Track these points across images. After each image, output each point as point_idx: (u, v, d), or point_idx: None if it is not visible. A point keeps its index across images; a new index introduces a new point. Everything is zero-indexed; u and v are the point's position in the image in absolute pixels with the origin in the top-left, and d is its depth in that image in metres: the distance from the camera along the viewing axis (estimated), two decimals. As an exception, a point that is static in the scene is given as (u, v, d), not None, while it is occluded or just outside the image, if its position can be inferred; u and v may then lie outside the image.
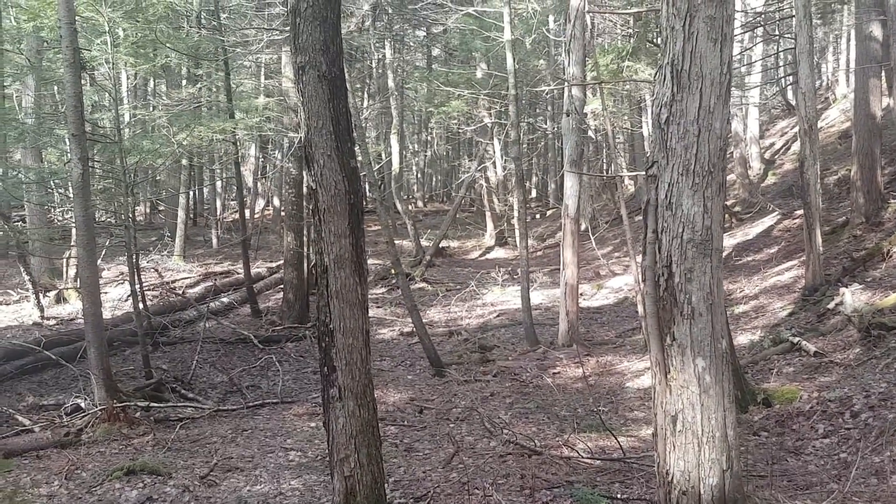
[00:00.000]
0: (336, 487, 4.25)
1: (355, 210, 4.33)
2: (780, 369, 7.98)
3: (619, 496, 5.36)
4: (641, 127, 24.21)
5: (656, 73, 4.29)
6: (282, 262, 15.77)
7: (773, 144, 24.18)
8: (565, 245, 10.86)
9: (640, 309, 10.30)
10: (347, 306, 4.30)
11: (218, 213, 25.83)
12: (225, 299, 14.47)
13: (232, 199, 30.35)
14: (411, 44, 31.25)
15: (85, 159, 8.09)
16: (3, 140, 13.78)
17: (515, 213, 22.45)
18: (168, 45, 11.38)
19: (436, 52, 32.41)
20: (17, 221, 15.06)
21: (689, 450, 4.01)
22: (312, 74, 4.09)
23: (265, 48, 14.57)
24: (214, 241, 21.94)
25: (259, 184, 27.76)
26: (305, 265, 13.94)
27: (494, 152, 22.05)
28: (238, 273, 16.44)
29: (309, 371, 10.76)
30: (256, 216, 25.89)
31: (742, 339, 9.55)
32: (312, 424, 8.05)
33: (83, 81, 8.75)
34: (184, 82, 18.23)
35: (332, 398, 4.31)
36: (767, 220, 16.33)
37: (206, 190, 29.17)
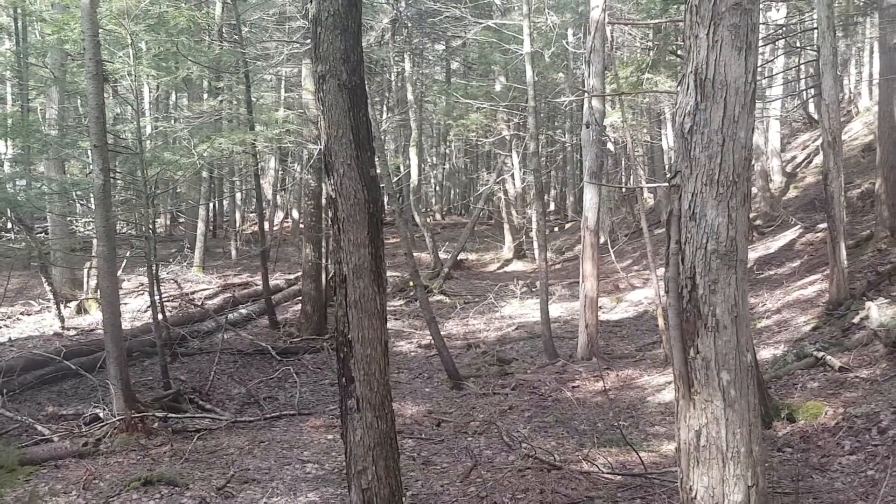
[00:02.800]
0: (353, 500, 4.20)
1: (374, 219, 4.31)
2: (804, 384, 7.82)
3: (640, 512, 5.26)
4: (661, 139, 24.08)
5: (679, 82, 4.24)
6: (300, 273, 15.81)
7: (794, 158, 23.94)
8: (585, 258, 10.77)
9: (660, 322, 10.19)
10: (366, 316, 4.27)
11: (237, 225, 26.00)
12: (243, 311, 14.52)
13: (251, 212, 30.55)
14: (430, 57, 31.39)
15: (107, 170, 8.16)
16: (28, 152, 13.99)
17: (534, 226, 22.39)
18: (190, 57, 11.49)
19: (454, 65, 32.55)
20: (40, 233, 15.22)
21: (714, 465, 3.92)
22: (333, 83, 4.09)
23: (285, 61, 14.70)
24: (233, 252, 22.06)
25: (278, 196, 27.93)
26: (324, 277, 13.96)
27: (513, 165, 22.02)
28: (256, 285, 16.49)
29: (326, 383, 10.74)
30: (275, 228, 26.02)
31: (765, 353, 9.40)
32: (329, 437, 8.01)
33: (106, 94, 8.84)
34: (205, 95, 18.42)
35: (349, 409, 4.27)
36: (789, 234, 16.12)
37: (225, 202, 29.40)
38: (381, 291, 4.36)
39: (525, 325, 13.56)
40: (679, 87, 4.24)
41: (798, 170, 22.36)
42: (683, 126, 4.04)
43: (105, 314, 8.25)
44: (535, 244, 22.20)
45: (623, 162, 28.15)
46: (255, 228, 23.98)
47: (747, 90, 4.02)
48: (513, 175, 22.41)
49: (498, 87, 21.16)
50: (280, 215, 29.07)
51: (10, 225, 18.43)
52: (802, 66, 21.03)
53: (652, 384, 9.27)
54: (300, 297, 14.61)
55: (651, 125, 23.75)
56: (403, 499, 4.76)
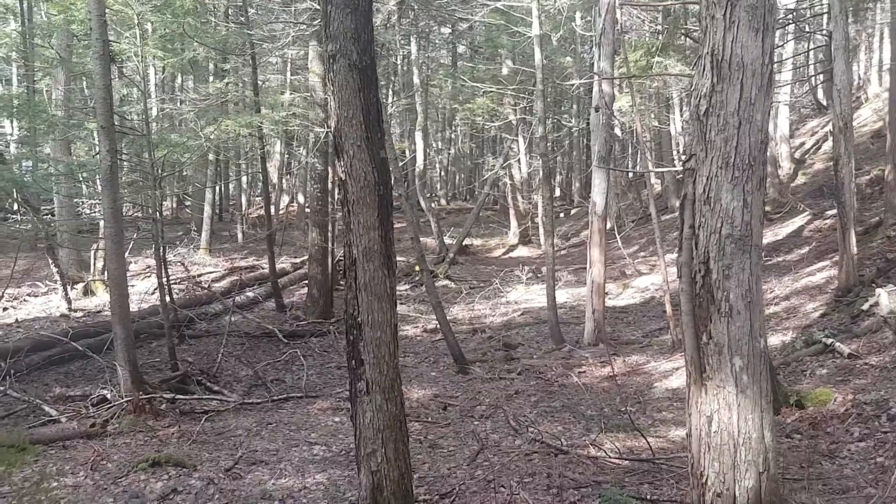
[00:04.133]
0: (363, 482, 4.20)
1: (385, 202, 4.27)
2: (812, 371, 7.80)
3: (648, 497, 5.25)
4: (669, 125, 23.92)
5: (695, 64, 4.18)
6: (305, 257, 15.80)
7: (803, 144, 23.75)
8: (592, 243, 10.72)
9: (667, 309, 10.16)
10: (376, 299, 4.25)
11: (243, 209, 25.98)
12: (250, 294, 14.53)
13: (257, 196, 30.53)
14: (436, 41, 31.15)
15: (113, 152, 8.13)
16: (34, 133, 13.95)
17: (540, 211, 22.31)
18: (196, 39, 11.40)
19: (461, 48, 32.30)
20: (46, 214, 15.22)
21: (725, 451, 3.90)
22: (343, 63, 4.04)
23: (291, 43, 14.59)
24: (240, 236, 22.06)
25: (284, 180, 27.87)
26: (330, 261, 13.95)
27: (519, 150, 21.91)
28: (263, 268, 16.50)
29: (333, 366, 10.75)
30: (281, 212, 25.98)
31: (774, 340, 9.35)
32: (336, 419, 8.02)
33: (112, 75, 8.79)
34: (211, 78, 18.33)
35: (359, 392, 4.26)
36: (798, 221, 16.02)
37: (231, 186, 29.36)
38: (390, 274, 4.33)
39: (531, 311, 13.53)
40: (694, 69, 4.18)
41: (807, 156, 22.20)
42: (699, 108, 3.99)
43: (113, 296, 8.24)
44: (541, 230, 22.16)
45: (630, 147, 27.98)
46: (261, 212, 23.96)
47: (764, 72, 3.96)
48: (519, 160, 22.31)
49: (505, 71, 21.00)
50: (286, 199, 29.04)
51: (16, 206, 18.47)
52: (812, 52, 20.81)
53: (659, 370, 9.26)
54: (306, 281, 14.61)
55: (659, 110, 23.58)
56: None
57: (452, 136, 37.80)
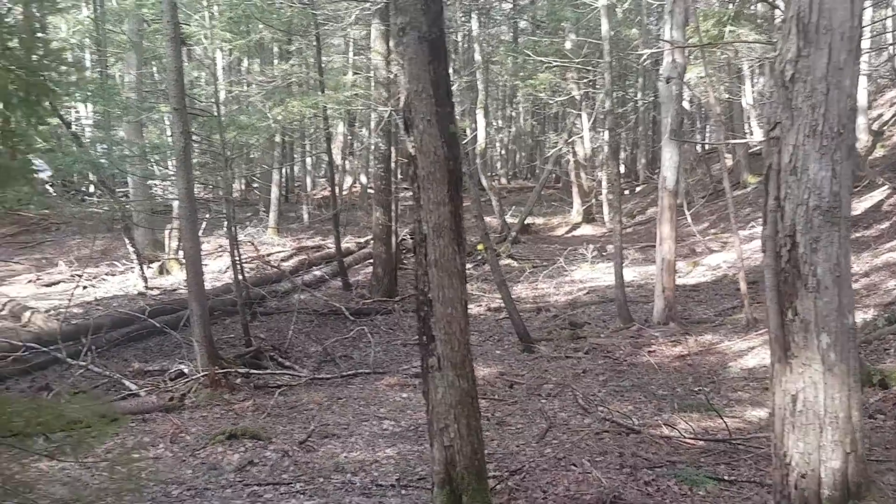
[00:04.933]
0: (436, 456, 4.22)
1: (455, 177, 4.23)
2: (897, 350, 7.45)
3: (725, 478, 5.13)
4: (740, 97, 23.07)
5: (780, 28, 3.98)
6: (369, 237, 15.97)
7: (881, 115, 22.56)
8: (663, 219, 10.45)
9: (741, 286, 9.85)
10: (446, 275, 4.23)
11: (308, 190, 26.38)
12: (317, 273, 14.78)
13: (320, 177, 30.94)
14: (497, 17, 30.73)
15: (186, 133, 8.33)
16: (108, 116, 14.44)
17: (604, 188, 21.91)
18: (261, 20, 11.56)
19: (522, 24, 31.81)
20: (122, 195, 15.79)
21: (810, 431, 3.76)
22: (413, 36, 4.00)
23: (354, 23, 14.63)
24: (305, 216, 22.43)
25: (347, 161, 28.13)
26: (393, 240, 14.04)
27: (583, 126, 21.51)
28: (328, 248, 16.75)
29: (398, 343, 10.86)
30: (344, 193, 26.27)
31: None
32: (404, 395, 8.11)
33: (182, 58, 8.98)
34: (275, 60, 18.58)
35: (430, 367, 4.26)
36: (877, 195, 15.26)
37: (296, 167, 29.84)
38: (461, 250, 4.30)
39: (596, 290, 13.34)
40: (779, 34, 3.99)
41: (885, 128, 21.08)
42: (784, 74, 3.80)
43: (189, 274, 8.50)
44: (605, 207, 21.75)
45: (699, 121, 27.12)
46: (325, 193, 24.26)
47: (853, 36, 3.75)
48: (582, 136, 21.90)
49: (568, 45, 20.56)
50: (349, 180, 29.35)
51: (92, 188, 19.22)
52: (890, 19, 19.68)
53: (733, 349, 9.00)
54: (370, 260, 14.75)
55: (731, 81, 22.75)
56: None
57: (513, 113, 37.39)
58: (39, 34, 1.95)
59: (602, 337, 10.28)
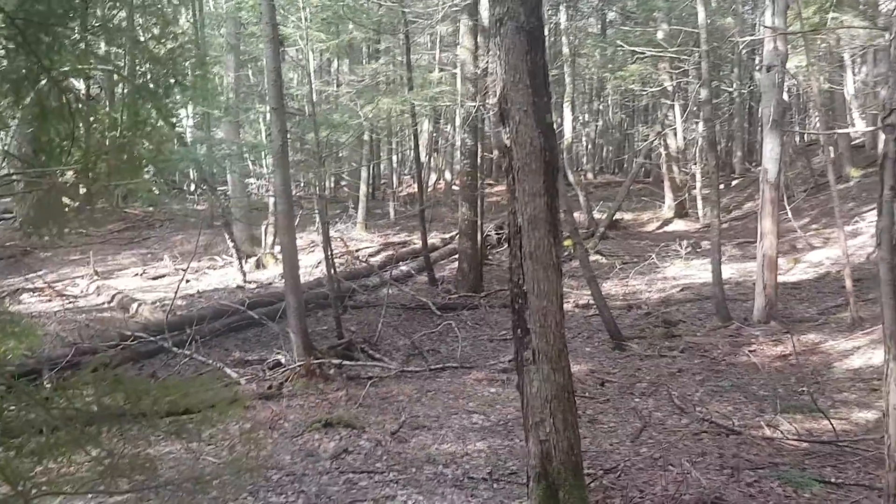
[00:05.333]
0: (531, 450, 4.19)
1: (551, 168, 4.18)
2: None
3: (832, 480, 4.87)
4: (842, 86, 21.84)
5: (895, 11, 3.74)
6: (454, 233, 16.03)
7: None
8: (764, 214, 10.01)
9: (847, 284, 9.33)
10: (542, 268, 4.18)
11: (394, 187, 26.76)
12: (404, 268, 14.97)
13: (405, 174, 31.33)
14: (585, 9, 30.24)
15: (284, 132, 8.60)
16: (207, 118, 15.08)
17: (698, 182, 21.21)
18: (353, 20, 11.80)
19: (610, 16, 31.19)
20: (222, 193, 16.49)
21: (932, 435, 3.52)
22: (510, 26, 3.98)
23: (442, 20, 14.72)
24: (392, 213, 22.76)
25: (431, 158, 28.35)
26: (479, 235, 14.05)
27: (675, 118, 20.88)
28: (414, 243, 16.93)
29: (485, 339, 10.85)
30: (429, 189, 26.49)
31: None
32: (492, 390, 8.09)
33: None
34: (364, 59, 18.92)
35: (525, 361, 4.23)
36: None
37: (382, 164, 30.33)
38: (556, 243, 4.25)
39: (691, 287, 12.92)
40: (894, 17, 3.74)
41: None
42: (907, 54, 3.57)
43: (286, 267, 8.77)
44: (699, 202, 21.04)
45: (797, 112, 25.82)
46: (410, 190, 24.52)
47: None
48: (675, 129, 21.27)
49: (660, 35, 20.02)
50: (433, 177, 29.58)
51: (192, 187, 20.14)
52: None
53: (838, 349, 8.53)
54: (456, 256, 14.82)
55: (832, 70, 21.57)
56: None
57: (601, 107, 36.72)
58: (170, 28, 2.05)
59: (698, 335, 9.95)
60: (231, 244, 14.13)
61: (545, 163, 4.17)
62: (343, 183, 25.36)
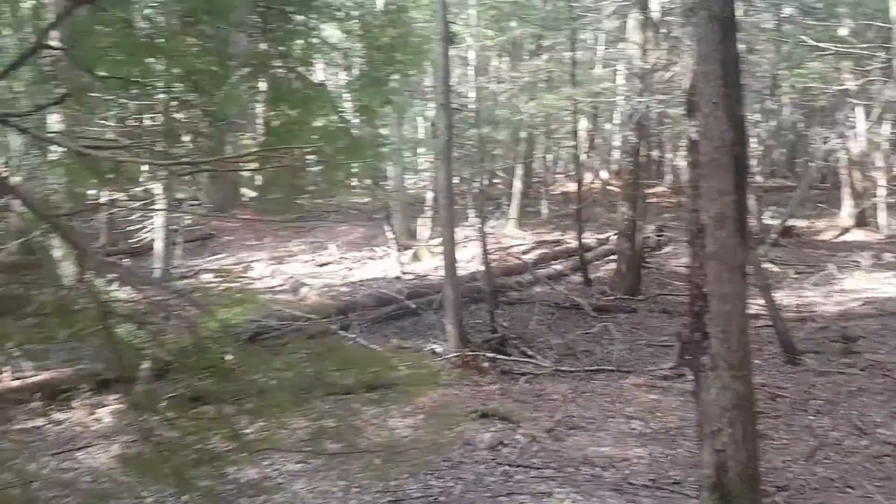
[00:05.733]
0: (705, 460, 4.01)
1: (741, 164, 3.98)
2: None
3: None
4: None
5: None
6: (609, 234, 15.65)
7: None
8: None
9: None
10: (726, 269, 3.99)
11: (548, 185, 26.56)
12: (557, 267, 14.82)
13: (558, 172, 30.97)
14: (759, 4, 28.43)
15: (450, 128, 8.79)
16: (372, 113, 15.71)
17: (881, 189, 19.31)
18: (520, 17, 11.84)
19: (787, 11, 29.12)
20: (383, 187, 17.12)
21: None
22: (703, 15, 3.82)
23: (608, 16, 14.41)
24: (545, 211, 22.60)
25: (587, 156, 27.84)
26: (638, 237, 13.62)
27: (857, 120, 19.13)
28: (567, 243, 16.71)
29: (642, 343, 10.51)
30: (583, 188, 26.03)
31: None
32: (652, 396, 7.82)
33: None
34: (525, 56, 18.90)
35: (703, 366, 4.06)
36: None
37: (535, 162, 30.19)
38: (743, 244, 4.03)
39: (874, 301, 11.83)
40: None
41: None
42: None
43: (445, 260, 8.98)
44: (882, 210, 19.15)
45: None
46: (563, 189, 24.25)
47: None
48: (857, 132, 19.49)
49: (845, 31, 18.42)
50: (588, 176, 29.04)
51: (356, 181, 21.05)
52: None
53: None
54: (611, 257, 14.46)
55: None
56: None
57: (774, 107, 34.39)
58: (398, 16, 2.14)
59: (881, 353, 9.11)
60: (391, 236, 14.65)
61: (735, 158, 3.97)
62: (496, 180, 25.53)
